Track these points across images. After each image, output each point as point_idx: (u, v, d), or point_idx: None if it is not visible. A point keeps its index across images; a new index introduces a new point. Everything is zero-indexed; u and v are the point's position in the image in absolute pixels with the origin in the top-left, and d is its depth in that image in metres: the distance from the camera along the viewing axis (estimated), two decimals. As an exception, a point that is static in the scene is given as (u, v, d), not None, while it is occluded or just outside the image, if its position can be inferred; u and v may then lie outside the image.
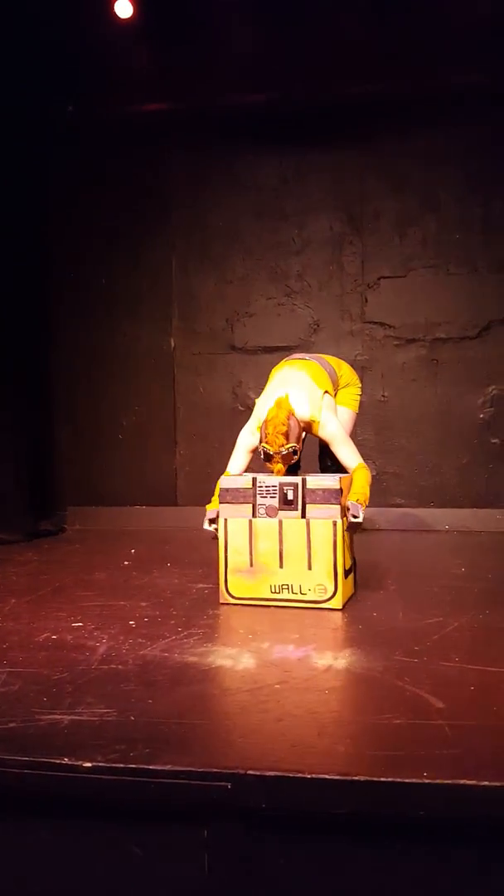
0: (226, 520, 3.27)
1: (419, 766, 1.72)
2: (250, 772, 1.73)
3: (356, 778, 1.70)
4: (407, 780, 1.68)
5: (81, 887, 1.83)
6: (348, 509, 3.17)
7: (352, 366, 3.94)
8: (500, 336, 5.36)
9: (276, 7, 4.91)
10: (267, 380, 3.65)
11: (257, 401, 3.52)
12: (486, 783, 1.65)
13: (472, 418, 5.41)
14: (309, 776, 1.71)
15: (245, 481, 3.28)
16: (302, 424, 3.33)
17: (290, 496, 3.20)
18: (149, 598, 3.41)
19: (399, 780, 1.68)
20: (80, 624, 3.01)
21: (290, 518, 3.19)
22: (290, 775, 1.72)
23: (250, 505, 3.25)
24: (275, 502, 3.22)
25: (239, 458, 3.49)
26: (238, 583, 3.25)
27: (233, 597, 3.25)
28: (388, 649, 2.62)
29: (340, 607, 3.13)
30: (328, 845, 1.74)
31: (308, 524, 3.17)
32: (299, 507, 3.19)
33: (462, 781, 1.66)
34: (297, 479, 3.22)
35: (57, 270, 5.80)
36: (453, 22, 4.74)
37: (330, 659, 2.57)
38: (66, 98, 5.49)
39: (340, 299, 5.56)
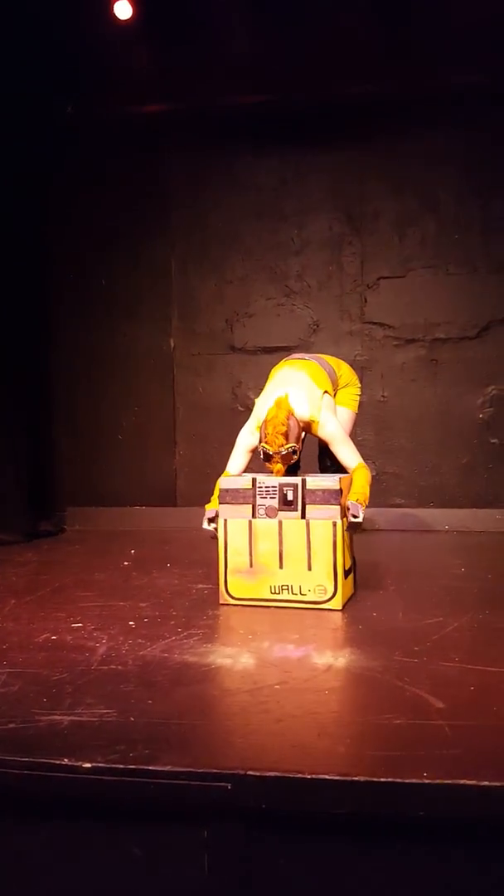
0: (225, 520, 3.27)
1: (419, 767, 1.72)
2: (250, 772, 1.72)
3: (356, 778, 1.70)
4: (407, 781, 1.68)
5: (82, 888, 1.83)
6: (348, 509, 3.17)
7: (351, 366, 3.94)
8: (499, 336, 5.36)
9: (275, 8, 4.91)
10: (266, 380, 3.65)
11: (257, 401, 3.52)
12: (486, 783, 1.65)
13: (471, 418, 5.41)
14: (309, 776, 1.71)
15: (245, 482, 3.28)
16: (301, 424, 3.33)
17: (290, 497, 3.20)
18: (148, 599, 3.41)
19: (399, 780, 1.68)
20: (80, 624, 3.01)
21: (290, 519, 3.19)
22: (290, 776, 1.72)
23: (250, 505, 3.25)
24: (274, 503, 3.22)
25: (238, 458, 3.49)
26: (238, 583, 3.25)
27: (232, 597, 3.25)
28: (387, 649, 2.62)
29: (340, 608, 3.13)
30: (328, 846, 1.74)
31: (308, 525, 3.16)
32: (299, 507, 3.19)
33: (462, 781, 1.66)
34: (297, 480, 3.22)
35: (56, 271, 5.80)
36: (453, 22, 4.74)
37: (330, 659, 2.57)
38: (65, 98, 5.49)
39: (340, 300, 5.56)
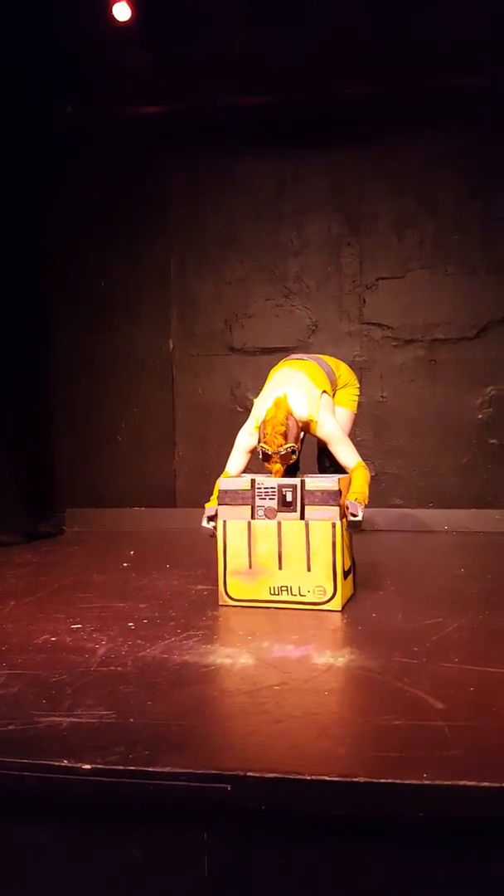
0: (225, 522, 3.27)
1: (419, 767, 1.72)
2: (250, 773, 1.72)
3: (356, 779, 1.70)
4: (407, 782, 1.68)
5: (82, 889, 1.83)
6: (347, 508, 3.17)
7: (350, 366, 3.94)
8: (498, 337, 5.37)
9: (274, 9, 4.91)
10: (265, 381, 3.65)
11: (255, 401, 3.52)
12: (485, 784, 1.65)
13: (470, 419, 5.41)
14: (309, 777, 1.71)
15: (244, 483, 3.28)
16: (300, 424, 3.33)
17: (289, 498, 3.20)
18: (148, 600, 3.41)
19: (399, 781, 1.68)
20: (80, 626, 3.01)
21: (289, 520, 3.19)
22: (290, 776, 1.72)
23: (249, 507, 3.25)
24: (274, 504, 3.22)
25: (237, 458, 3.49)
26: (237, 584, 3.24)
27: (232, 598, 3.25)
28: (387, 650, 2.62)
29: (340, 609, 3.13)
30: (328, 847, 1.73)
31: (307, 526, 3.16)
32: (298, 508, 3.19)
33: (462, 782, 1.66)
34: (296, 481, 3.22)
35: (56, 272, 5.80)
36: (451, 23, 4.74)
37: (329, 660, 2.57)
38: (65, 100, 5.50)
39: (339, 300, 5.56)
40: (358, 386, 3.84)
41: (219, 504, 3.30)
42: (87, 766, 1.78)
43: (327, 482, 3.20)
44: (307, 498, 3.18)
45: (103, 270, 5.77)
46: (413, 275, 5.46)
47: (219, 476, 3.45)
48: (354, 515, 3.15)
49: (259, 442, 3.30)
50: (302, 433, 3.40)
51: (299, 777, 1.71)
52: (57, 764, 1.80)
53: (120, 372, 5.80)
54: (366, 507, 3.25)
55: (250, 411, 3.55)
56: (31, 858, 1.84)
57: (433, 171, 5.39)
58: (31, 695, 2.27)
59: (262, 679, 2.37)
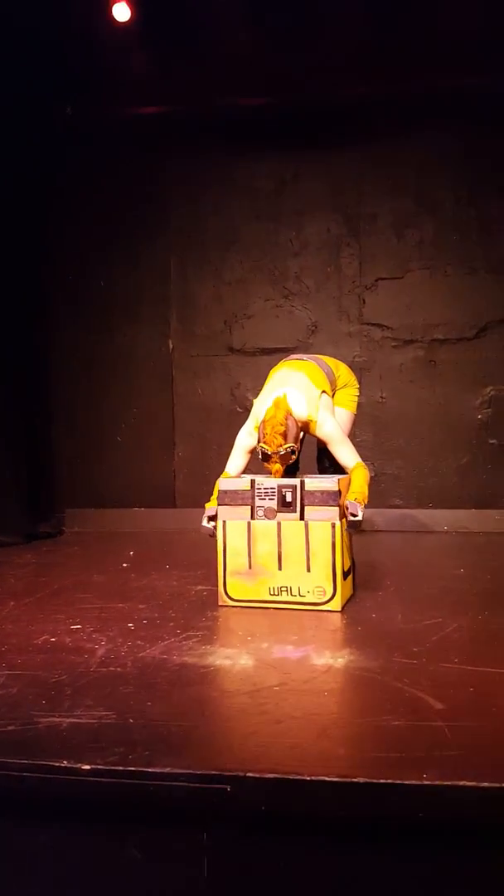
0: (224, 522, 3.27)
1: (418, 768, 1.72)
2: (249, 774, 1.72)
3: (356, 780, 1.70)
4: (406, 782, 1.68)
5: (81, 890, 1.83)
6: (347, 508, 3.17)
7: (350, 367, 3.94)
8: (497, 337, 5.37)
9: (273, 10, 4.91)
10: (265, 381, 3.65)
11: (255, 401, 3.52)
12: (485, 784, 1.65)
13: (470, 419, 5.41)
14: (308, 778, 1.71)
15: (244, 483, 3.28)
16: (300, 424, 3.33)
17: (289, 498, 3.20)
18: (147, 601, 3.41)
19: (398, 781, 1.68)
20: (79, 626, 3.01)
21: (289, 520, 3.19)
22: (290, 777, 1.71)
23: (249, 507, 3.25)
24: (273, 504, 3.22)
25: (237, 458, 3.49)
26: (237, 585, 3.24)
27: (231, 599, 3.25)
28: (387, 650, 2.62)
29: (339, 609, 3.13)
30: (328, 848, 1.73)
31: (307, 526, 3.16)
32: (298, 509, 3.19)
33: (462, 783, 1.66)
34: (296, 481, 3.22)
35: (56, 272, 5.80)
36: (450, 24, 4.74)
37: (329, 660, 2.57)
38: (65, 100, 5.50)
39: (338, 301, 5.57)
40: (357, 386, 3.84)
41: (218, 504, 3.30)
42: (87, 767, 1.78)
43: (327, 483, 3.20)
44: (307, 498, 3.18)
45: (103, 271, 5.77)
46: (412, 275, 5.46)
47: (218, 476, 3.45)
48: (354, 515, 3.15)
49: (258, 442, 3.30)
50: (301, 433, 3.40)
51: (299, 778, 1.71)
52: (56, 764, 1.80)
53: (120, 372, 5.80)
54: (365, 507, 3.25)
55: (250, 412, 3.55)
56: (30, 859, 1.84)
57: (432, 172, 5.39)
58: (31, 695, 2.27)
59: (262, 680, 2.37)
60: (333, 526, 3.13)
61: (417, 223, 5.43)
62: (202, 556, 3.92)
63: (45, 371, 5.82)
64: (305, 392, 3.37)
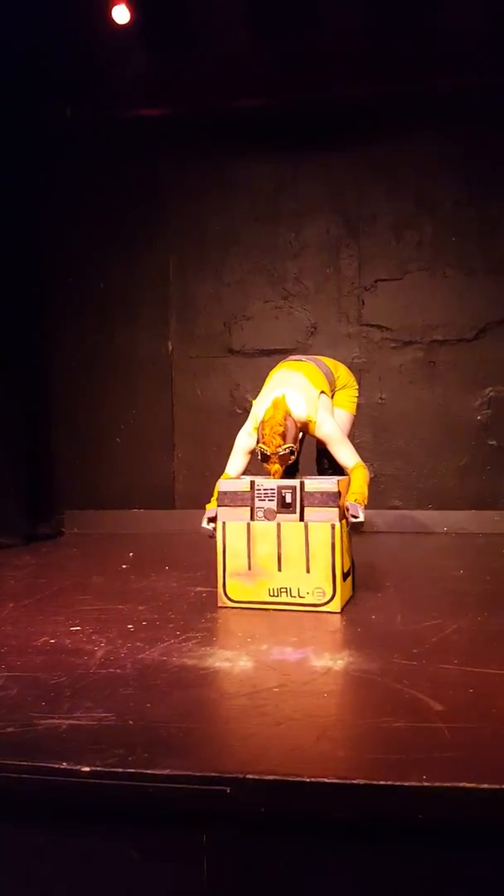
0: (224, 523, 3.27)
1: (418, 769, 1.72)
2: (249, 776, 1.72)
3: (355, 781, 1.69)
4: (406, 784, 1.68)
5: (80, 891, 1.83)
6: (348, 510, 3.17)
7: (349, 368, 3.94)
8: (496, 338, 5.37)
9: (272, 12, 4.92)
10: (264, 382, 3.65)
11: (254, 402, 3.52)
12: (485, 786, 1.65)
13: (469, 420, 5.41)
14: (308, 780, 1.71)
15: (243, 485, 3.28)
16: (299, 425, 3.33)
17: (289, 499, 3.20)
18: (147, 602, 3.41)
19: (398, 783, 1.68)
20: (79, 628, 3.01)
21: (289, 521, 3.19)
22: (289, 779, 1.71)
23: (248, 508, 3.24)
24: (273, 505, 3.22)
25: (237, 459, 3.49)
26: (236, 586, 3.24)
27: (231, 600, 3.25)
28: (386, 652, 2.61)
29: (339, 610, 3.13)
30: (327, 849, 1.73)
31: (306, 527, 3.16)
32: (297, 510, 3.19)
33: (461, 784, 1.66)
34: (296, 482, 3.22)
35: (55, 274, 5.81)
36: (450, 25, 4.75)
37: (328, 662, 2.57)
38: (64, 102, 5.50)
39: (337, 302, 5.57)
40: (357, 387, 3.84)
41: (218, 505, 3.30)
42: (87, 769, 1.78)
43: (326, 484, 3.19)
44: (306, 499, 3.18)
45: (103, 271, 5.78)
46: (412, 276, 5.46)
47: (218, 477, 3.45)
48: (356, 517, 3.15)
49: (258, 443, 3.30)
50: (301, 434, 3.40)
51: (298, 779, 1.71)
52: (56, 766, 1.79)
53: (119, 373, 5.81)
54: (365, 507, 3.25)
55: (249, 413, 3.55)
56: (30, 860, 1.84)
57: (432, 173, 5.40)
58: (31, 697, 2.27)
59: (262, 681, 2.37)
60: (333, 527, 3.13)
61: (417, 224, 5.43)
62: (202, 557, 3.91)
63: (45, 372, 5.83)
64: (304, 392, 3.37)
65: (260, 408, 3.39)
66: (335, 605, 3.13)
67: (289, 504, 3.19)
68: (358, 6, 4.84)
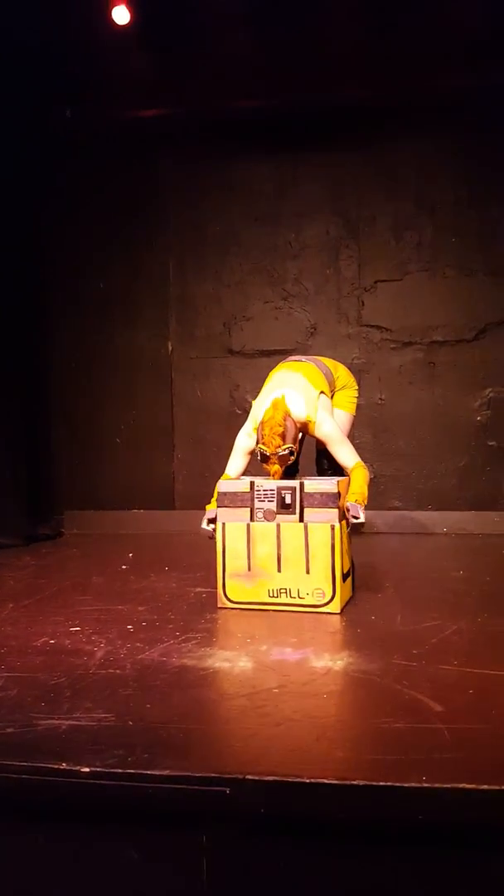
0: (224, 524, 3.27)
1: (418, 770, 1.72)
2: (249, 776, 1.72)
3: (355, 782, 1.70)
4: (406, 785, 1.68)
5: (80, 892, 1.83)
6: (348, 510, 3.17)
7: (349, 369, 3.95)
8: (496, 339, 5.37)
9: (271, 13, 4.92)
10: (264, 383, 3.65)
11: (254, 403, 3.52)
12: (485, 787, 1.65)
13: (469, 421, 5.42)
14: (308, 781, 1.71)
15: (243, 485, 3.28)
16: (298, 425, 3.33)
17: (288, 500, 3.20)
18: (147, 603, 3.41)
19: (398, 784, 1.68)
20: (78, 628, 3.01)
21: (288, 522, 3.19)
22: (289, 780, 1.71)
23: (248, 509, 3.25)
24: (273, 506, 3.22)
25: (237, 460, 3.49)
26: (236, 587, 3.24)
27: (231, 601, 3.25)
28: (386, 653, 2.61)
29: (338, 611, 3.13)
30: (327, 850, 1.73)
31: (306, 528, 3.16)
32: (297, 510, 3.19)
33: (461, 785, 1.66)
34: (295, 483, 3.22)
35: (56, 274, 5.81)
36: (449, 26, 4.75)
37: (328, 662, 2.57)
38: (64, 103, 5.50)
39: (337, 303, 5.57)
40: (356, 388, 3.84)
41: (218, 506, 3.30)
42: (86, 769, 1.78)
43: (326, 484, 3.20)
44: (306, 500, 3.18)
45: (103, 272, 5.78)
46: (411, 277, 5.47)
47: (218, 478, 3.45)
48: (356, 518, 3.15)
49: (257, 443, 3.30)
50: (300, 434, 3.40)
51: (298, 780, 1.71)
52: (56, 767, 1.79)
53: (119, 374, 5.81)
54: (365, 508, 3.25)
55: (249, 413, 3.55)
56: (29, 862, 1.84)
57: (431, 174, 5.40)
58: (30, 697, 2.27)
59: (261, 682, 2.37)
60: (333, 528, 3.13)
61: (416, 225, 5.43)
62: (201, 557, 3.91)
63: (45, 372, 5.83)
64: (304, 393, 3.38)
65: (259, 408, 3.39)
66: (335, 606, 3.13)
67: (288, 505, 3.19)
68: (358, 6, 4.84)
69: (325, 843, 1.73)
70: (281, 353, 4.99)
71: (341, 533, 3.16)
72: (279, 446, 3.21)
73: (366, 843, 1.72)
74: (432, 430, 5.45)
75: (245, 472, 3.50)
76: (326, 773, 1.73)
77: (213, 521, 3.32)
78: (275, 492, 3.22)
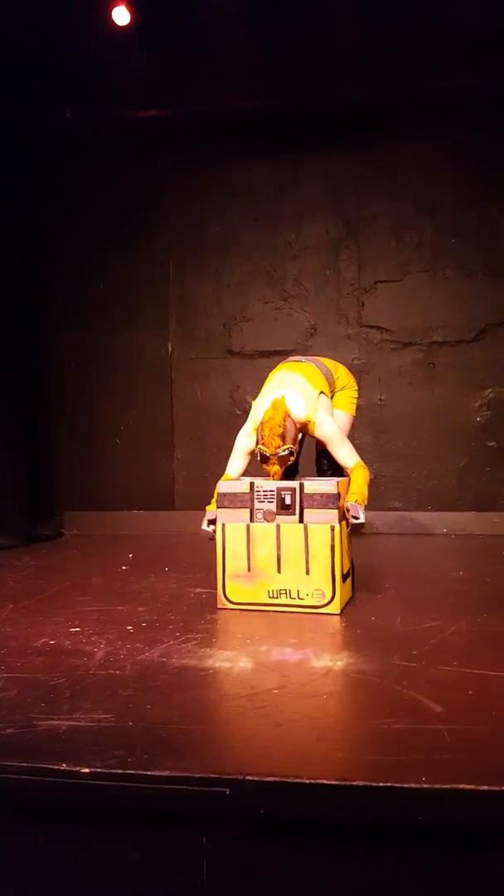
0: (224, 525, 3.27)
1: (418, 771, 1.72)
2: (249, 777, 1.72)
3: (355, 783, 1.70)
4: (405, 785, 1.68)
5: (80, 893, 1.83)
6: (348, 511, 3.17)
7: (349, 369, 3.94)
8: (496, 339, 5.37)
9: (271, 13, 4.92)
10: (264, 383, 3.65)
11: (253, 403, 3.52)
12: (484, 787, 1.65)
13: (469, 421, 5.42)
14: (307, 781, 1.71)
15: (243, 486, 3.28)
16: (298, 425, 3.33)
17: (288, 501, 3.20)
18: (147, 603, 3.41)
19: (398, 784, 1.68)
20: (78, 629, 3.01)
21: (288, 523, 3.19)
22: (289, 781, 1.71)
23: (248, 510, 3.25)
24: (272, 507, 3.22)
25: (237, 460, 3.49)
26: (236, 588, 3.24)
27: (231, 602, 3.25)
28: (386, 653, 2.62)
29: (338, 612, 3.13)
30: (327, 850, 1.73)
31: (306, 529, 3.16)
32: (297, 511, 3.19)
33: (461, 786, 1.66)
34: (295, 484, 3.22)
35: (56, 274, 5.81)
36: (449, 27, 4.75)
37: (328, 663, 2.57)
38: (64, 103, 5.50)
39: (337, 303, 5.57)
40: (356, 388, 3.84)
41: (217, 507, 3.30)
42: (86, 770, 1.78)
43: (326, 485, 3.20)
44: (306, 501, 3.18)
45: (103, 272, 5.78)
46: (411, 278, 5.47)
47: (217, 479, 3.45)
48: (356, 518, 3.15)
49: (257, 444, 3.30)
50: (300, 435, 3.40)
51: (298, 781, 1.71)
52: (56, 767, 1.79)
53: (119, 374, 5.81)
54: (365, 508, 3.25)
55: (249, 414, 3.55)
56: (29, 862, 1.84)
57: (431, 175, 5.40)
58: (30, 698, 2.27)
59: (261, 683, 2.37)
60: (332, 529, 3.13)
61: (416, 226, 5.43)
62: (201, 558, 3.91)
63: (45, 372, 5.83)
64: (304, 393, 3.37)
65: (259, 409, 3.39)
66: (335, 607, 3.13)
67: (288, 505, 3.19)
68: (358, 6, 4.84)
69: (325, 844, 1.73)
70: (281, 354, 4.98)
71: (341, 534, 3.16)
72: (279, 447, 3.21)
73: (366, 844, 1.72)
74: (432, 431, 5.45)
75: (245, 473, 3.50)
76: (326, 774, 1.73)
77: (213, 522, 3.32)
78: (275, 493, 3.22)
